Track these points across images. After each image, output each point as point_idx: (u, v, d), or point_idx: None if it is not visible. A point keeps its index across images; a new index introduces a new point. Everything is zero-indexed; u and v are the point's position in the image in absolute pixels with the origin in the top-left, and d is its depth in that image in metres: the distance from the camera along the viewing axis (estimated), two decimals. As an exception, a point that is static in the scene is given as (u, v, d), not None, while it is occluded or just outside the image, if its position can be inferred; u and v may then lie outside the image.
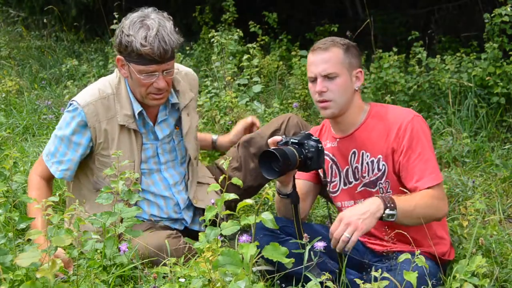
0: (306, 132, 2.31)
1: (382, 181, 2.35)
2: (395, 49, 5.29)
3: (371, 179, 2.37)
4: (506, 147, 4.22)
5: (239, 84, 4.68)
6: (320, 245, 2.00)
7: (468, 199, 3.15)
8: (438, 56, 5.10)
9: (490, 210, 3.21)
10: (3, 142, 3.89)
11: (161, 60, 2.38)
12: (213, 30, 5.33)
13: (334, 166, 2.47)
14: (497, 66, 4.59)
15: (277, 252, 1.74)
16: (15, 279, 1.86)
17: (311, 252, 2.04)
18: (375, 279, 1.85)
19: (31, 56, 7.44)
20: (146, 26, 2.36)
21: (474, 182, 3.48)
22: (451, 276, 2.19)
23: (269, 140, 2.29)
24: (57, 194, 2.08)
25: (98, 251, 2.14)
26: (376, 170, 2.35)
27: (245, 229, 2.84)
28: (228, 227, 1.89)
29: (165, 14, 2.48)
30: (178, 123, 2.70)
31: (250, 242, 1.78)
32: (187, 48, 6.78)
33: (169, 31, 2.38)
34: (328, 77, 2.30)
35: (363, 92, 5.15)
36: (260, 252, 1.79)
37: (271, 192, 1.83)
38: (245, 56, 4.75)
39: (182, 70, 2.76)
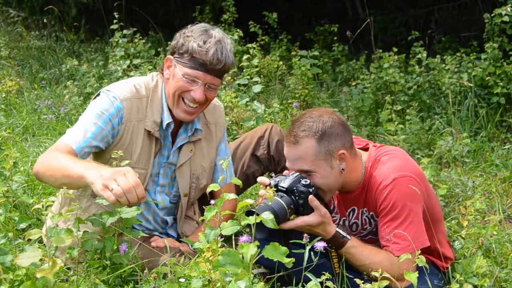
0: (296, 175, 2.15)
1: None
2: (395, 49, 5.30)
3: (374, 229, 2.31)
4: (506, 147, 4.22)
5: (239, 84, 4.68)
6: (320, 245, 2.00)
7: (468, 199, 3.15)
8: (438, 56, 5.12)
9: (490, 210, 3.21)
10: (3, 142, 3.88)
11: (211, 68, 2.30)
12: (213, 30, 5.32)
13: (335, 205, 2.39)
14: (497, 66, 4.60)
15: (277, 252, 1.74)
16: (15, 279, 1.86)
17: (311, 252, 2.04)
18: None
19: (31, 56, 7.43)
20: (209, 34, 2.32)
21: (474, 182, 3.48)
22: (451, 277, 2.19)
23: (258, 179, 2.22)
24: (57, 194, 2.08)
25: (98, 251, 2.14)
26: (375, 222, 2.30)
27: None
28: (228, 227, 1.89)
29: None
30: None
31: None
32: (187, 48, 6.79)
33: (228, 48, 2.34)
34: (304, 171, 2.14)
35: (363, 92, 5.16)
36: (260, 252, 1.79)
37: (271, 192, 1.83)
38: (245, 56, 4.75)
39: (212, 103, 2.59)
